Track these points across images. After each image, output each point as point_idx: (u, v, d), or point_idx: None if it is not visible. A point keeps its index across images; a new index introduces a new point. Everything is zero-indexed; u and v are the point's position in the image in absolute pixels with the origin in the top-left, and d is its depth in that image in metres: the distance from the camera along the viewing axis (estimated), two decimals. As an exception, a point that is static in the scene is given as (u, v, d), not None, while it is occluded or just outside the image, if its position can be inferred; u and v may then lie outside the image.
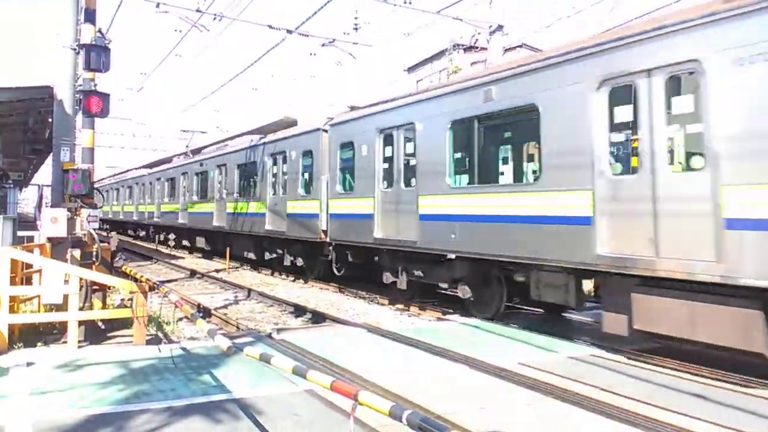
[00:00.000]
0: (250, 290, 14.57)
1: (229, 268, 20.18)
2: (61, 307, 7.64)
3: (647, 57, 6.95)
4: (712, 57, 6.24)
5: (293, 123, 17.08)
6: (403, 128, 11.48)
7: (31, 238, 13.82)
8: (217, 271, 19.56)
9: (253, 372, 6.26)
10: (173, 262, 22.46)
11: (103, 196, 19.09)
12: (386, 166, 12.11)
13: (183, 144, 40.50)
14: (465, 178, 10.41)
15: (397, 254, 11.97)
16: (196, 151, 28.05)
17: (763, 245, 5.81)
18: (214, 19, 15.03)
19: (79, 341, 7.48)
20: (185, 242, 27.65)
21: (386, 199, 11.99)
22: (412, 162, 11.32)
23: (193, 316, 7.22)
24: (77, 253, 8.52)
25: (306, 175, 15.54)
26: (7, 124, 16.46)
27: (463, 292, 10.40)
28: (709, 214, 6.22)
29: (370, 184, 12.34)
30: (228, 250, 20.90)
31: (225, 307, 12.79)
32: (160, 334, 8.84)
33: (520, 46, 27.71)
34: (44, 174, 29.86)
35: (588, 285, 9.25)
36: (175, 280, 17.82)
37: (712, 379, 6.32)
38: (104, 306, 9.23)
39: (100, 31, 9.01)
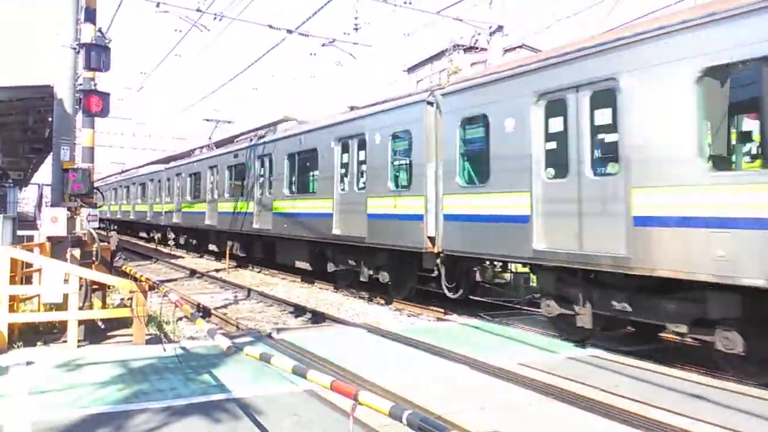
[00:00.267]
0: (249, 290, 14.57)
1: (228, 267, 20.17)
2: (61, 307, 7.63)
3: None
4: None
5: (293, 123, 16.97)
6: (592, 86, 7.62)
7: (30, 238, 13.79)
8: (217, 270, 19.55)
9: (253, 372, 6.26)
10: (173, 261, 22.46)
11: (102, 195, 18.89)
12: (552, 145, 8.32)
13: (182, 144, 39.74)
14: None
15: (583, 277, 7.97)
16: (221, 143, 24.40)
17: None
18: (215, 18, 15.04)
19: (79, 340, 7.47)
20: (212, 247, 23.52)
21: (552, 193, 8.13)
22: (609, 138, 7.76)
23: (193, 315, 7.22)
24: (77, 252, 8.51)
25: (398, 164, 11.96)
26: (7, 123, 16.46)
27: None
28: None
29: (522, 173, 8.47)
30: (228, 251, 20.63)
31: (225, 306, 12.79)
32: (159, 334, 8.84)
33: (520, 47, 27.71)
34: (44, 173, 29.14)
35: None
36: (175, 279, 17.83)
37: (712, 379, 6.33)
38: (104, 305, 9.22)
39: (100, 30, 9.02)
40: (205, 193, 22.66)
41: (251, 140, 19.02)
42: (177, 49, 18.09)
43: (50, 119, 13.30)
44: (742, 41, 5.92)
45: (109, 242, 9.54)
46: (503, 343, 8.24)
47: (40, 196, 26.39)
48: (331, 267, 14.41)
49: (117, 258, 9.81)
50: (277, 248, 17.46)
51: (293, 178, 16.02)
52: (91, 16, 9.08)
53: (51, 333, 8.12)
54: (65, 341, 7.46)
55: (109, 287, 9.75)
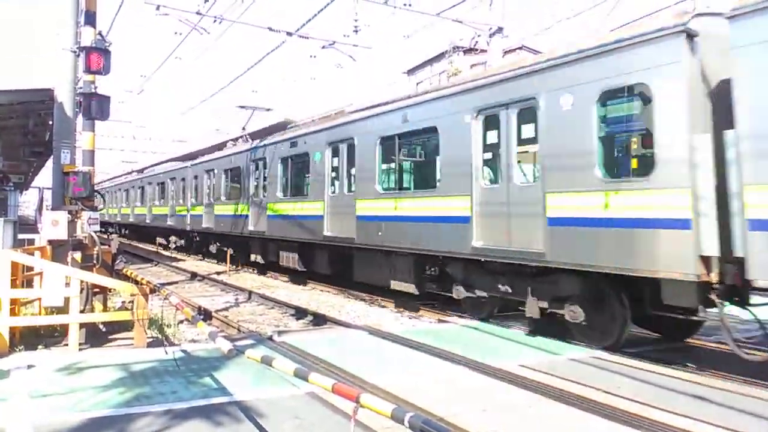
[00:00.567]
0: (251, 293, 14.56)
1: (229, 270, 20.17)
2: (62, 310, 7.63)
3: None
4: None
5: (291, 126, 16.83)
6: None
7: (31, 241, 13.80)
8: (218, 273, 19.56)
9: (254, 374, 6.26)
10: (174, 264, 22.46)
11: (103, 198, 18.68)
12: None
13: (182, 147, 39.35)
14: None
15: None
16: (257, 135, 20.62)
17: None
18: (214, 21, 15.07)
19: (80, 344, 7.48)
20: (257, 257, 19.02)
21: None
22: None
23: (194, 318, 7.23)
24: (78, 255, 8.53)
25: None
26: (7, 127, 16.49)
27: None
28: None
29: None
30: (228, 253, 20.59)
31: (226, 309, 12.78)
32: (161, 337, 8.83)
33: (520, 48, 27.73)
34: (45, 177, 28.76)
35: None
36: (176, 282, 17.82)
37: (714, 380, 6.32)
38: (105, 309, 9.23)
39: (100, 33, 9.03)
40: (245, 194, 18.78)
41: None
42: (177, 52, 18.11)
43: (51, 122, 13.32)
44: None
45: (109, 245, 9.55)
46: (504, 344, 8.24)
47: (41, 200, 26.33)
48: (459, 292, 10.33)
49: (118, 261, 9.82)
50: (356, 262, 13.50)
51: (403, 175, 12.48)
52: (91, 19, 9.10)
53: (52, 336, 8.13)
54: (66, 344, 7.47)
55: (110, 290, 9.76)
